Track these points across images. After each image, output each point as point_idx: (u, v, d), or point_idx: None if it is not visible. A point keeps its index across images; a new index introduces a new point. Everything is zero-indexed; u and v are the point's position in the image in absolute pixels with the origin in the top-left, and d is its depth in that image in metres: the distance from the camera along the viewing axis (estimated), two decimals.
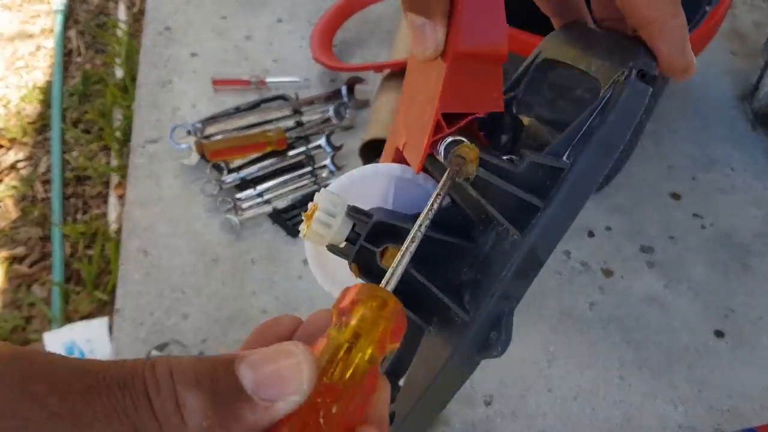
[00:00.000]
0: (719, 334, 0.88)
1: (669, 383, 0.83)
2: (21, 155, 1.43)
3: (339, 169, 1.04)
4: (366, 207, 0.35)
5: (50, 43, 1.67)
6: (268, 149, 1.04)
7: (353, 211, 0.33)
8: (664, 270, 0.94)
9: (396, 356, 0.39)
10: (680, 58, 0.32)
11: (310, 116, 1.11)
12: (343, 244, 0.33)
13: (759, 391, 0.83)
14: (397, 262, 0.29)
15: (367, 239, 0.33)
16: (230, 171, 1.03)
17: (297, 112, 1.11)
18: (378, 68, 1.12)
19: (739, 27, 1.34)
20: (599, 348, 0.86)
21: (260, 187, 1.02)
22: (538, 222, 0.31)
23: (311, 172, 1.03)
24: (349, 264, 0.34)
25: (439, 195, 0.31)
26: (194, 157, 1.04)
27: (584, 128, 0.32)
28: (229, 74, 1.20)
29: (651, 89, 0.31)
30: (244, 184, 1.03)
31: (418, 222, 0.30)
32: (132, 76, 1.40)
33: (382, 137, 1.00)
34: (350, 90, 1.15)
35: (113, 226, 1.21)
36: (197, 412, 0.20)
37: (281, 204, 1.00)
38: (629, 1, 0.31)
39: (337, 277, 0.38)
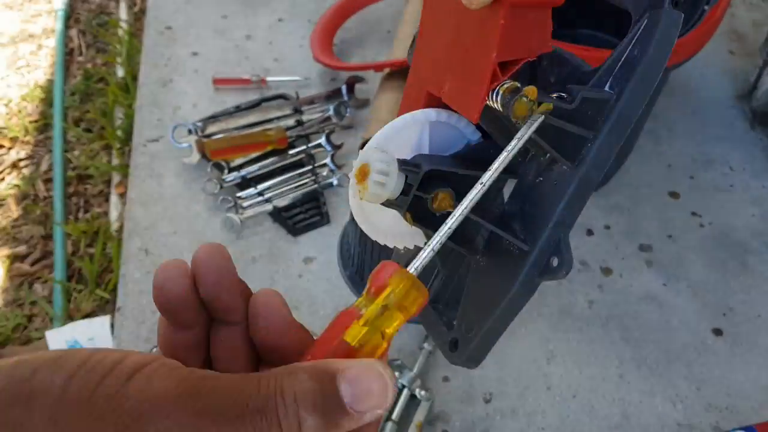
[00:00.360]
0: (718, 332, 0.89)
1: (668, 381, 0.84)
2: (23, 154, 1.44)
3: (339, 167, 1.05)
4: (405, 155, 0.37)
5: (51, 43, 1.68)
6: (269, 148, 1.05)
7: (402, 165, 0.35)
8: (662, 268, 0.95)
9: (438, 286, 0.41)
10: None
11: (311, 115, 1.12)
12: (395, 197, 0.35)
13: (757, 389, 0.83)
14: (458, 214, 0.31)
15: (419, 188, 0.35)
16: (231, 170, 1.04)
17: (297, 111, 1.12)
18: (378, 67, 1.12)
19: (737, 26, 1.34)
20: (598, 346, 0.86)
21: (261, 186, 1.02)
22: (588, 152, 0.32)
23: (311, 171, 1.04)
24: (403, 214, 0.35)
25: (518, 141, 0.32)
26: (195, 156, 1.05)
27: (624, 58, 0.33)
28: (229, 73, 1.21)
29: (682, 15, 0.33)
30: (245, 183, 1.03)
31: (489, 175, 0.32)
32: (133, 75, 1.40)
33: None
34: (350, 89, 1.16)
35: (115, 225, 1.22)
36: (313, 427, 0.25)
37: (282, 203, 1.01)
38: None
39: (382, 228, 0.40)
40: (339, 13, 1.29)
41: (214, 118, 1.12)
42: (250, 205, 1.00)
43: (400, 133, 0.37)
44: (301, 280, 0.93)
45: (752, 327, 0.89)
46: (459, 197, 0.34)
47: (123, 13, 1.69)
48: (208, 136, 1.08)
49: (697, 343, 0.87)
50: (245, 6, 1.37)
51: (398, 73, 1.11)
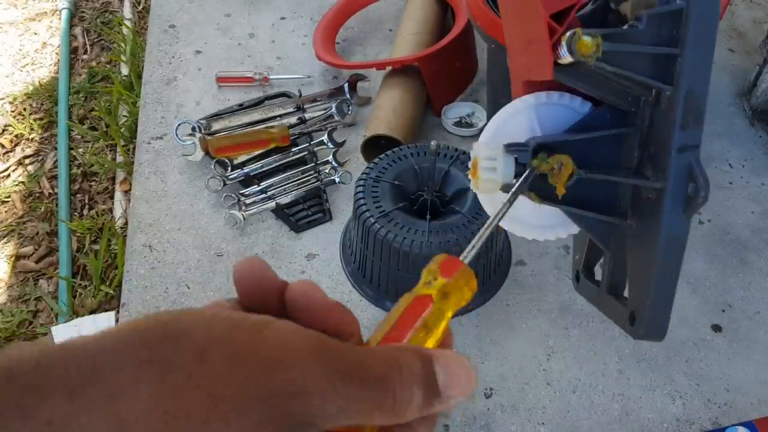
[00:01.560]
0: (717, 328, 0.89)
1: (667, 377, 0.84)
2: (28, 151, 1.45)
3: (341, 165, 1.06)
4: (518, 136, 0.37)
5: (56, 41, 1.69)
6: (272, 145, 1.06)
7: (510, 147, 0.35)
8: None
9: (608, 275, 0.41)
10: None
11: (313, 113, 1.12)
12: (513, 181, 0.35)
13: (756, 385, 0.84)
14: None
15: (535, 157, 0.34)
16: (234, 167, 1.05)
17: (300, 108, 1.12)
18: (380, 66, 1.13)
19: (737, 24, 1.35)
20: (598, 342, 0.87)
21: (264, 183, 1.03)
22: (682, 68, 0.32)
23: (314, 168, 1.05)
24: (529, 196, 0.35)
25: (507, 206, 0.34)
26: (199, 154, 1.06)
27: None
28: (232, 71, 1.22)
29: None
30: (248, 180, 1.04)
31: (490, 221, 0.33)
32: (137, 73, 1.41)
33: (384, 134, 1.02)
34: (352, 87, 1.16)
35: (119, 222, 1.23)
36: (416, 405, 0.27)
37: (285, 200, 1.01)
38: None
39: (519, 219, 0.39)
40: (341, 11, 1.30)
41: (217, 115, 1.12)
42: (253, 202, 1.01)
43: (507, 125, 0.37)
44: (303, 277, 0.94)
45: (751, 323, 0.90)
46: (581, 164, 0.34)
47: (127, 11, 1.69)
48: (212, 133, 1.08)
49: (696, 339, 0.88)
50: (248, 4, 1.38)
51: (400, 71, 1.11)
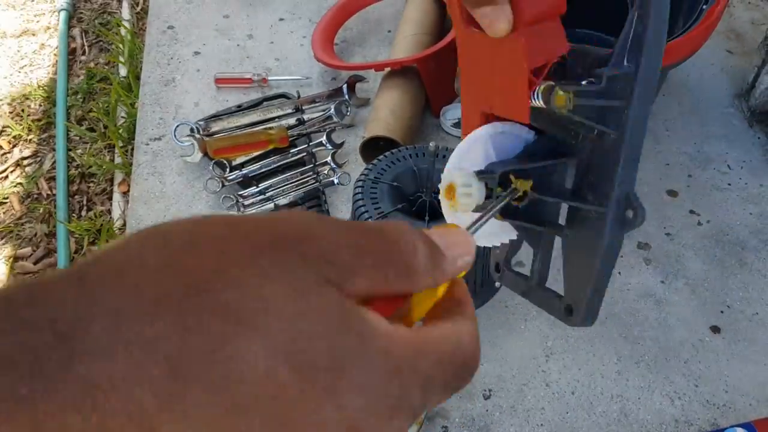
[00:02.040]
0: (715, 329, 0.89)
1: (665, 378, 0.84)
2: (26, 153, 1.45)
3: (340, 166, 1.06)
4: (478, 167, 0.44)
5: (54, 42, 1.68)
6: (270, 147, 1.06)
7: (480, 174, 0.42)
8: (660, 266, 0.95)
9: (539, 267, 0.49)
10: None
11: (312, 114, 1.12)
12: (481, 202, 0.42)
13: (755, 386, 0.84)
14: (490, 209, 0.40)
15: (500, 184, 0.42)
16: (233, 168, 1.04)
17: (298, 110, 1.12)
18: (378, 67, 1.13)
19: (735, 26, 1.35)
20: (597, 343, 0.87)
21: (262, 185, 1.03)
22: (627, 118, 0.38)
23: (313, 170, 1.05)
24: (495, 216, 0.42)
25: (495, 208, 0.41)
26: (197, 155, 1.06)
27: (632, 35, 0.39)
28: (231, 73, 1.22)
29: None
30: (247, 182, 1.04)
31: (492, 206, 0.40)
32: (135, 74, 1.41)
33: (383, 135, 1.02)
34: (351, 88, 1.16)
35: (117, 223, 1.23)
36: (424, 253, 0.27)
37: (283, 201, 1.01)
38: None
39: (487, 233, 0.46)
40: (340, 12, 1.30)
41: (215, 117, 1.12)
42: (252, 204, 1.01)
43: (470, 151, 0.44)
44: None
45: (750, 324, 0.90)
46: (538, 185, 0.42)
47: (125, 12, 1.69)
48: (210, 134, 1.08)
49: (695, 340, 0.88)
50: (247, 6, 1.38)
51: (398, 72, 1.11)
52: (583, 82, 0.40)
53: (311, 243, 0.24)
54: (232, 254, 0.23)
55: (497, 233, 0.47)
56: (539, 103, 0.39)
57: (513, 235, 0.48)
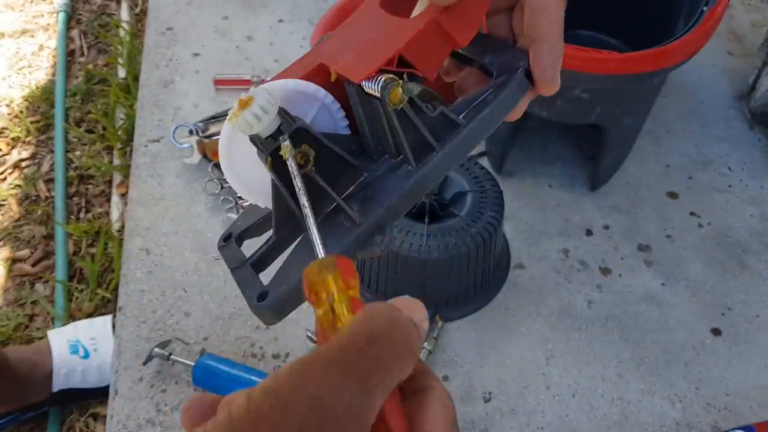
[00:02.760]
0: (716, 332, 0.89)
1: (666, 381, 0.84)
2: (24, 154, 1.44)
3: None
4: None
5: (53, 43, 1.68)
6: None
7: (283, 112, 0.39)
8: (661, 268, 0.95)
9: (261, 253, 0.44)
10: (553, 74, 0.42)
11: None
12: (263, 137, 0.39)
13: (756, 388, 0.84)
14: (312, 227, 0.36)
15: (290, 139, 0.38)
16: None
17: None
18: None
19: (736, 27, 1.35)
20: (597, 346, 0.87)
21: None
22: (431, 159, 0.39)
23: None
24: (265, 157, 0.39)
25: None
26: (196, 157, 1.05)
27: (481, 99, 0.41)
28: (230, 74, 1.21)
29: (531, 87, 0.42)
30: None
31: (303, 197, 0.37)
32: (134, 75, 1.41)
33: None
34: None
35: (116, 225, 1.23)
36: (418, 334, 0.27)
37: None
38: (532, 21, 0.42)
39: (243, 176, 0.43)
40: (340, 14, 1.29)
41: (215, 118, 1.12)
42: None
43: (296, 96, 0.41)
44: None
45: (751, 327, 0.89)
46: (318, 166, 0.39)
47: (124, 13, 1.69)
48: (209, 136, 1.08)
49: (696, 343, 0.88)
50: (246, 7, 1.37)
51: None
52: (428, 106, 0.40)
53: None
54: None
55: (265, 193, 0.42)
56: (375, 91, 0.38)
57: (267, 202, 0.43)
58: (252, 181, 0.43)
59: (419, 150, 0.39)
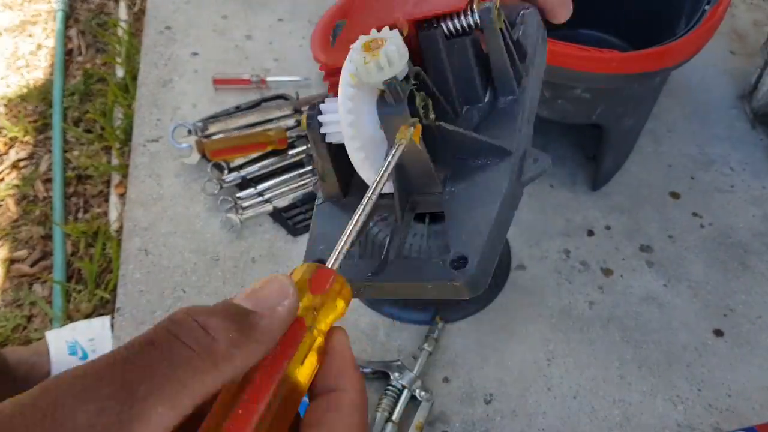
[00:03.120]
0: (718, 333, 0.88)
1: (668, 382, 0.83)
2: (22, 154, 1.44)
3: None
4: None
5: (51, 43, 1.68)
6: (269, 148, 1.05)
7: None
8: (663, 269, 0.95)
9: (398, 243, 0.39)
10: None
11: None
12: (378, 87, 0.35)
13: (758, 390, 0.83)
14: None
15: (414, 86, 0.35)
16: (231, 170, 1.04)
17: (297, 111, 1.11)
18: None
19: (738, 26, 1.34)
20: (599, 347, 0.86)
21: (261, 186, 1.02)
22: (526, 84, 0.39)
23: (311, 171, 1.04)
24: (402, 107, 0.34)
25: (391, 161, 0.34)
26: (195, 157, 1.05)
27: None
28: (229, 74, 1.21)
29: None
30: (245, 183, 1.03)
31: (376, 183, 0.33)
32: (133, 75, 1.40)
33: None
34: None
35: (114, 225, 1.22)
36: (221, 329, 0.24)
37: (282, 203, 1.00)
38: None
39: (363, 134, 0.37)
40: (339, 13, 1.28)
41: (213, 118, 1.11)
42: (250, 206, 1.00)
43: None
44: None
45: (753, 328, 0.89)
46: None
47: (122, 13, 1.68)
48: (208, 136, 1.07)
49: (697, 344, 0.87)
50: (245, 6, 1.37)
51: None
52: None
53: None
54: None
55: (376, 157, 0.38)
56: (467, 23, 0.36)
57: (377, 156, 0.38)
58: (371, 142, 0.37)
59: (511, 83, 0.38)
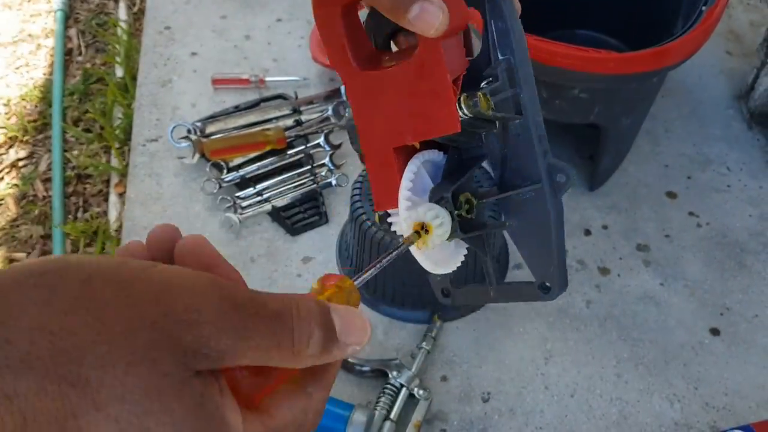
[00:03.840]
0: (715, 331, 0.89)
1: (665, 381, 0.84)
2: (22, 154, 1.44)
3: (338, 167, 1.05)
4: (420, 195, 0.46)
5: (51, 42, 1.68)
6: (268, 148, 1.05)
7: (438, 201, 0.44)
8: (660, 268, 0.95)
9: (494, 270, 0.51)
10: None
11: (309, 115, 1.12)
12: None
13: (754, 388, 0.84)
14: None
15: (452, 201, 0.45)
16: (230, 170, 1.04)
17: (296, 111, 1.12)
18: None
19: (735, 27, 1.35)
20: (596, 346, 0.87)
21: (260, 186, 1.03)
22: (523, 102, 0.43)
23: (310, 171, 1.04)
24: (456, 224, 0.45)
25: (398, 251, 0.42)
26: (194, 156, 1.05)
27: (495, 34, 0.43)
28: (228, 74, 1.21)
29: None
30: (244, 183, 1.04)
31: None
32: (132, 75, 1.40)
33: None
34: None
35: (114, 225, 1.22)
36: (317, 342, 0.29)
37: (281, 202, 1.01)
38: None
39: (441, 261, 0.48)
40: None
41: (213, 118, 1.12)
42: (249, 205, 1.01)
43: (413, 188, 0.45)
44: (299, 280, 0.93)
45: (749, 327, 0.89)
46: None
47: (122, 13, 1.69)
48: (207, 136, 1.08)
49: (694, 343, 0.88)
50: (244, 6, 1.37)
51: None
52: (483, 84, 0.43)
53: (193, 330, 0.25)
54: (110, 328, 0.24)
55: (448, 259, 0.49)
56: (465, 113, 0.41)
57: (462, 254, 0.49)
58: (443, 256, 0.48)
59: (512, 107, 0.43)
